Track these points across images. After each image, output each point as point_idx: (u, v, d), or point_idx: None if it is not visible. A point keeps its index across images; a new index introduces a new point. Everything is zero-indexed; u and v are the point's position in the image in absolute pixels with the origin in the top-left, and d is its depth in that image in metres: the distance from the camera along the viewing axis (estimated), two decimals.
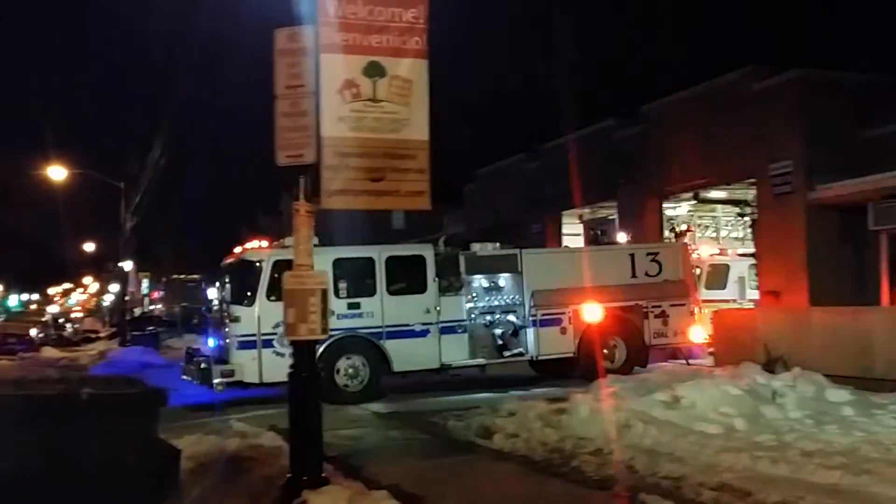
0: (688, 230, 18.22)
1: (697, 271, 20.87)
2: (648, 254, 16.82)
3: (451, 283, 15.30)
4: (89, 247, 54.89)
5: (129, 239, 30.23)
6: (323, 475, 6.66)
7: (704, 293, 20.22)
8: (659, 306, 16.40)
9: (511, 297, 15.58)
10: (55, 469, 4.21)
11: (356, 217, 14.21)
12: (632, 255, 16.66)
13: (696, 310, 16.77)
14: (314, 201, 6.89)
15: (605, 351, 15.87)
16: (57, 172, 29.44)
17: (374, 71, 6.88)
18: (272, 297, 14.01)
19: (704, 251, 20.89)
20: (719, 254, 21.10)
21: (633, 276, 16.52)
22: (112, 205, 30.15)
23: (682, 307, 16.55)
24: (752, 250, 20.78)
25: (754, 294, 20.13)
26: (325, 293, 6.85)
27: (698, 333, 16.67)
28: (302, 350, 6.85)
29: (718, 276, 20.81)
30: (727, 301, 20.32)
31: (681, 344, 16.73)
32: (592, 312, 15.78)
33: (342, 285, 14.40)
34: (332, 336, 13.91)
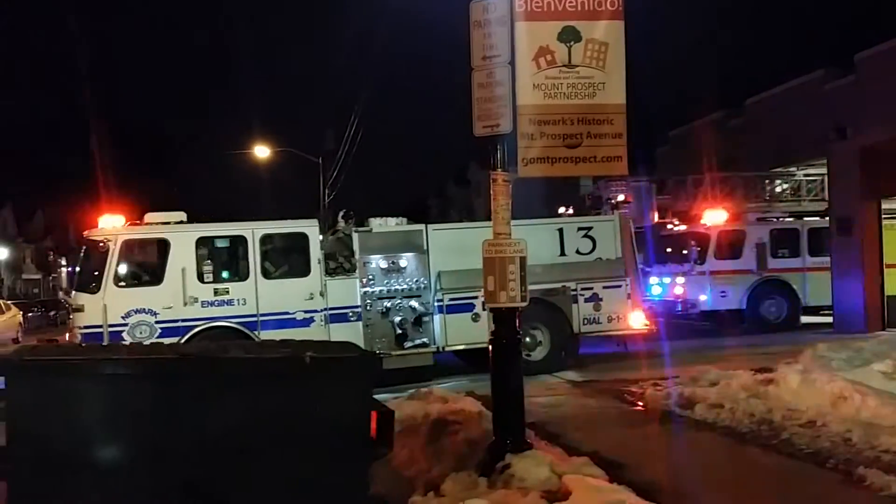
0: (626, 200, 16.50)
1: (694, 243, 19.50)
2: (580, 228, 15.09)
3: (342, 265, 13.66)
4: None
5: (326, 213, 30.58)
6: (526, 440, 6.90)
7: (714, 263, 19.22)
8: (590, 288, 14.73)
9: (414, 279, 13.90)
10: (278, 428, 4.44)
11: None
12: (560, 230, 14.96)
13: (634, 291, 15.15)
14: (511, 170, 7.03)
15: (526, 340, 14.24)
16: (262, 151, 32.08)
17: (568, 36, 6.95)
18: (121, 283, 12.42)
19: (710, 218, 19.59)
20: (729, 219, 19.69)
21: (562, 253, 14.87)
22: (311, 181, 31.30)
23: (617, 289, 14.87)
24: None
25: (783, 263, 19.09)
26: (523, 261, 7.08)
27: (637, 319, 15.03)
28: (502, 317, 7.00)
29: (731, 244, 19.54)
30: (742, 272, 18.92)
31: (616, 332, 15.06)
32: None
33: (207, 268, 12.75)
34: (193, 327, 12.39)
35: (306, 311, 13.08)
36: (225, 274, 13.01)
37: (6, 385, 4.38)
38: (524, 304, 7.10)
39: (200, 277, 12.63)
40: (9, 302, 33.11)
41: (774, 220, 20.57)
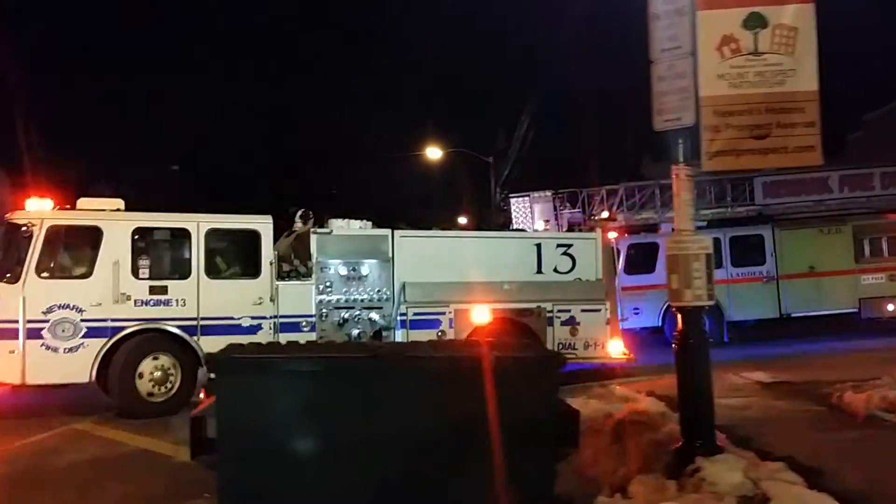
0: (610, 217, 15.68)
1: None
2: (559, 245, 14.18)
3: (296, 269, 12.55)
4: (461, 221, 53.42)
5: (498, 212, 29.57)
6: (716, 443, 6.80)
7: (624, 279, 18.03)
8: (567, 311, 13.77)
9: (376, 289, 12.82)
10: (464, 426, 4.60)
11: None
12: (538, 246, 14.02)
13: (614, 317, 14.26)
14: (694, 164, 6.93)
15: None
16: (433, 153, 32.66)
17: (754, 22, 6.87)
18: (44, 274, 11.19)
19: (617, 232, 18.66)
20: (644, 231, 18.95)
21: (539, 271, 13.92)
22: (482, 180, 30.88)
23: (596, 314, 13.93)
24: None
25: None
26: (709, 258, 6.96)
27: (616, 347, 14.10)
28: (688, 317, 6.95)
29: (642, 257, 18.69)
30: (654, 287, 17.96)
31: (592, 360, 14.09)
32: (481, 314, 13.12)
33: (143, 262, 11.54)
34: (122, 328, 11.21)
35: (253, 318, 11.93)
36: (163, 270, 11.83)
37: (216, 381, 4.71)
38: (711, 302, 6.99)
39: (135, 273, 11.43)
40: None
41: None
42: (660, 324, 18.44)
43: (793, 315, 17.94)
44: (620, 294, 15.42)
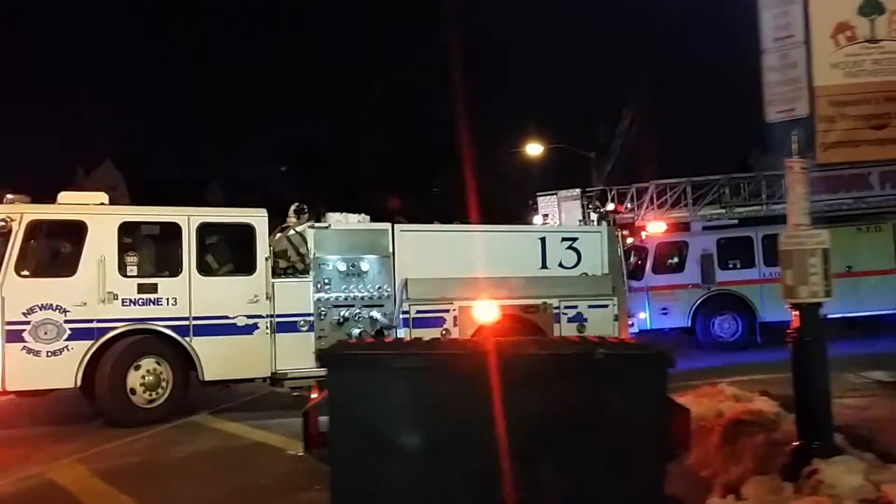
0: (616, 210, 15.21)
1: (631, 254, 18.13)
2: (564, 239, 13.67)
3: (294, 265, 11.93)
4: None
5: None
6: (834, 444, 6.63)
7: (652, 278, 17.89)
8: (574, 307, 13.27)
9: (376, 286, 12.22)
10: (571, 425, 4.64)
11: None
12: (542, 240, 13.50)
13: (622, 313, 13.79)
14: (808, 157, 6.80)
15: None
16: (534, 149, 32.10)
17: (870, 9, 6.70)
18: (24, 273, 10.49)
19: (652, 228, 18.32)
20: (673, 230, 18.36)
21: (544, 266, 13.40)
22: (581, 175, 29.77)
23: (603, 310, 13.44)
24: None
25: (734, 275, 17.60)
26: (826, 253, 6.75)
27: None
28: (804, 313, 6.75)
29: (671, 256, 18.23)
30: (684, 286, 17.52)
31: None
32: (486, 311, 12.57)
33: (131, 259, 10.85)
34: (109, 329, 10.54)
35: (249, 317, 11.29)
36: (153, 267, 11.16)
37: (328, 377, 4.83)
38: (828, 298, 6.81)
39: (122, 270, 10.75)
40: None
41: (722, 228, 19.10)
42: (689, 324, 17.97)
43: (829, 317, 17.32)
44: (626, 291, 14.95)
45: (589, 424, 4.65)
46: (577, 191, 17.33)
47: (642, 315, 17.77)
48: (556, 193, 18.34)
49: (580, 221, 16.90)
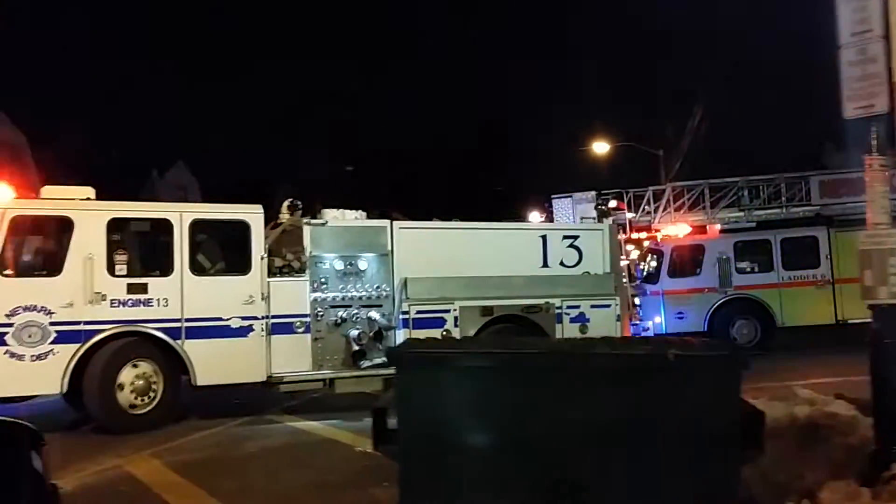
0: (618, 207, 14.89)
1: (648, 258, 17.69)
2: (566, 237, 13.33)
3: (290, 263, 11.46)
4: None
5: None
6: None
7: (668, 282, 17.48)
8: (577, 307, 12.94)
9: (375, 285, 11.80)
10: (643, 426, 4.56)
11: None
12: (543, 238, 13.14)
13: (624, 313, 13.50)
14: (888, 153, 6.68)
15: None
16: (600, 147, 31.92)
17: None
18: (7, 272, 9.96)
19: (671, 230, 17.92)
20: (691, 233, 17.90)
21: (545, 264, 13.05)
22: (648, 174, 29.24)
23: (606, 309, 13.13)
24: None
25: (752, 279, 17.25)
26: None
27: None
28: (883, 315, 6.59)
29: (687, 259, 17.83)
30: (700, 290, 17.22)
31: None
32: (487, 311, 12.20)
33: (121, 257, 10.35)
34: (97, 331, 10.03)
35: (244, 318, 10.81)
36: (143, 266, 10.64)
37: (396, 375, 4.85)
38: None
39: (111, 269, 10.23)
40: None
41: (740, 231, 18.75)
42: (705, 329, 17.54)
43: (850, 322, 16.90)
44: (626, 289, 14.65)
45: (661, 426, 4.57)
46: (592, 193, 16.91)
47: (658, 319, 17.43)
48: (570, 196, 17.96)
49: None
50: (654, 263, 18.32)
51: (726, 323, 17.28)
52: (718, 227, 18.08)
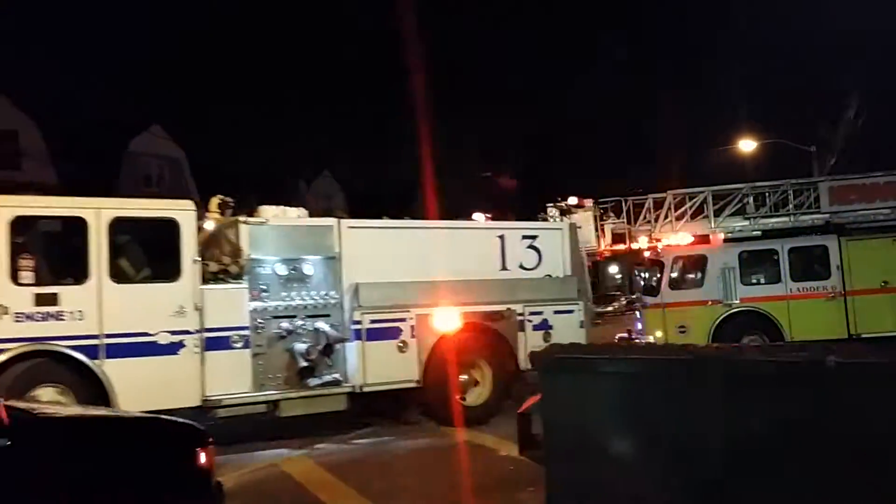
0: (579, 204, 13.93)
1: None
2: (525, 237, 12.29)
3: (226, 268, 10.02)
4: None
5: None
6: None
7: (669, 294, 16.54)
8: (539, 313, 11.90)
9: (323, 292, 10.51)
10: (801, 437, 4.31)
11: None
12: (502, 238, 12.07)
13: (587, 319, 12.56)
14: None
15: (462, 378, 11.19)
16: (747, 145, 30.60)
17: None
18: None
19: (676, 239, 16.89)
20: (693, 243, 16.90)
21: (504, 267, 11.98)
22: (798, 172, 26.13)
23: (569, 315, 12.14)
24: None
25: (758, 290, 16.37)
26: None
27: None
28: None
29: (689, 270, 16.87)
30: (703, 303, 16.32)
31: None
32: (448, 319, 11.03)
33: (26, 264, 8.74)
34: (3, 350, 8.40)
35: (173, 332, 9.33)
36: (53, 274, 9.03)
37: (541, 380, 5.01)
38: None
39: (14, 277, 8.62)
40: None
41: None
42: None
43: (863, 336, 15.98)
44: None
45: (817, 437, 4.27)
46: (590, 201, 15.87)
47: (659, 333, 16.37)
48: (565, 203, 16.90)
49: (596, 236, 15.58)
50: (653, 276, 17.37)
51: (731, 337, 16.35)
52: (722, 236, 17.15)
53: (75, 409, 6.33)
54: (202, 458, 4.15)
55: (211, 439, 4.26)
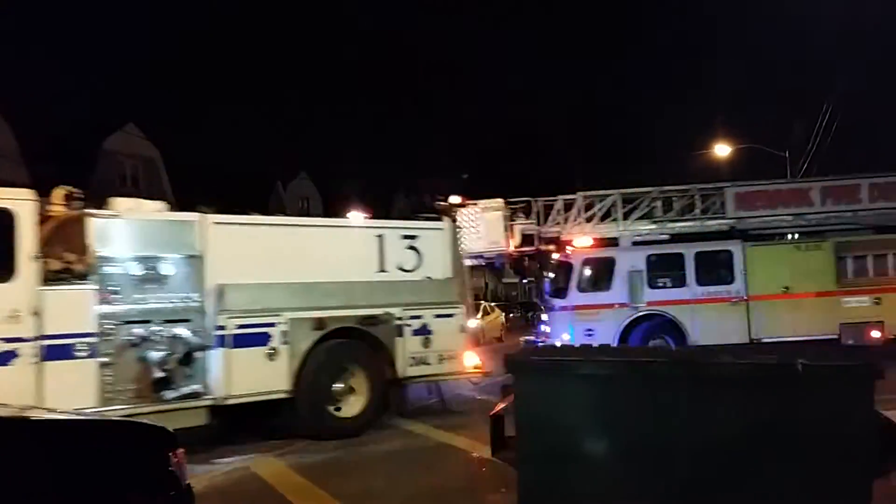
0: (461, 204, 13.32)
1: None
2: (405, 237, 11.61)
3: (71, 267, 8.89)
4: None
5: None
6: None
7: (577, 297, 16.26)
8: (419, 317, 11.25)
9: (182, 295, 9.52)
10: (768, 438, 4.51)
11: None
12: (380, 237, 11.34)
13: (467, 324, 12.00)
14: None
15: (336, 387, 10.41)
16: (721, 150, 31.04)
17: None
18: None
19: (578, 242, 16.54)
20: (594, 245, 16.59)
21: (382, 269, 11.27)
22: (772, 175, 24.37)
23: (449, 319, 11.54)
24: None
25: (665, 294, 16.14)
26: None
27: (471, 359, 11.83)
28: None
29: (597, 273, 16.52)
30: (610, 306, 15.95)
31: (447, 376, 11.71)
32: (321, 324, 10.23)
33: None
34: None
35: (6, 340, 8.16)
36: None
37: (514, 382, 4.97)
38: None
39: None
40: (492, 304, 35.84)
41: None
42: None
43: (763, 340, 15.72)
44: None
45: (787, 438, 4.47)
46: (500, 201, 15.19)
47: (566, 336, 15.92)
48: (476, 203, 16.15)
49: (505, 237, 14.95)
50: (561, 278, 16.95)
51: (638, 341, 16.02)
52: (630, 239, 16.87)
53: (45, 413, 5.83)
54: (173, 460, 4.14)
55: (178, 444, 4.26)
